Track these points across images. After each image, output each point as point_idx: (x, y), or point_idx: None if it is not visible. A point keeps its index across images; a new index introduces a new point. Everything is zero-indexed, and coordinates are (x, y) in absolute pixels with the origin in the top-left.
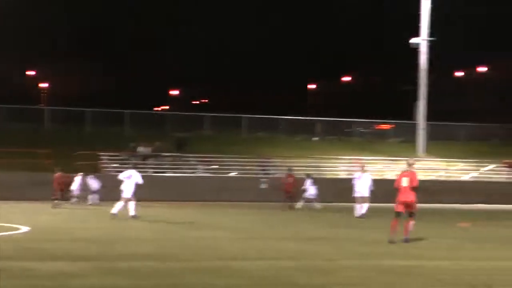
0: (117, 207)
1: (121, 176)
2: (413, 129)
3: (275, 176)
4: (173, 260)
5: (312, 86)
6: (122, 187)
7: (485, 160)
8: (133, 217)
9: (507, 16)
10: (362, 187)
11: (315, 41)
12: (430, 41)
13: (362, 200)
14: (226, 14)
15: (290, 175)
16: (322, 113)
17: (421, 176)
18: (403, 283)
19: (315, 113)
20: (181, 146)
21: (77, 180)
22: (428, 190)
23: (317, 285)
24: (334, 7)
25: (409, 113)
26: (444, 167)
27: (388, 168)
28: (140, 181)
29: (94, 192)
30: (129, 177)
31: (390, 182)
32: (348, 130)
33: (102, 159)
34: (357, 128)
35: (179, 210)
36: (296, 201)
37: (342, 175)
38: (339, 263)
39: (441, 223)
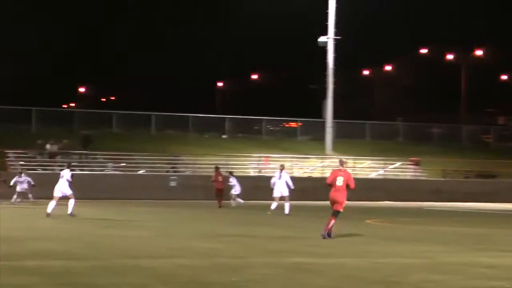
0: (50, 206)
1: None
2: (321, 127)
3: (184, 174)
4: (82, 258)
5: (220, 84)
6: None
7: (392, 158)
8: (70, 215)
9: (411, 15)
10: (281, 186)
11: (223, 39)
12: (336, 40)
13: (283, 199)
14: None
15: (219, 173)
16: (231, 111)
17: (328, 174)
18: (309, 280)
19: (224, 111)
20: (86, 144)
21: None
22: None
23: (223, 283)
24: (246, 6)
25: (317, 111)
26: (351, 164)
27: (297, 165)
28: (69, 179)
29: (21, 190)
30: (62, 176)
31: (299, 180)
32: (257, 128)
33: (8, 157)
34: (267, 126)
35: (88, 208)
36: (223, 199)
37: (252, 173)
38: (247, 260)
39: (349, 220)
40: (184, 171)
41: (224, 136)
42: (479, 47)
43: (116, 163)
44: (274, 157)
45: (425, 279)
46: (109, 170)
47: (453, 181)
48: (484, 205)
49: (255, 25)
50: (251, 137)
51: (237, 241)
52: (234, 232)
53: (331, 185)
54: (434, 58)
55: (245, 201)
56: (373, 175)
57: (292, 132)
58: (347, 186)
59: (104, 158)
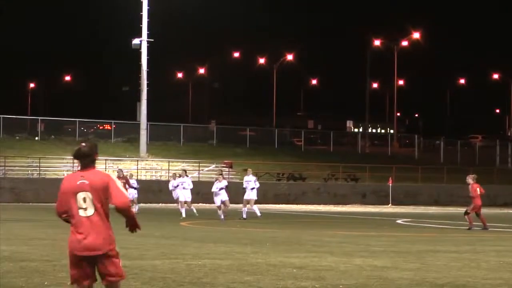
0: None
1: None
2: (135, 129)
3: None
4: None
5: (32, 85)
6: None
7: (205, 161)
8: None
9: (223, 16)
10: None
11: (34, 40)
12: (150, 42)
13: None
14: None
15: (122, 177)
16: (44, 112)
17: (143, 176)
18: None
19: (37, 113)
20: None
21: None
22: (151, 190)
23: (33, 286)
24: (52, 5)
25: (131, 113)
26: (166, 167)
27: (112, 168)
28: None
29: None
30: None
31: None
32: (71, 129)
33: None
34: (81, 128)
35: None
36: None
37: (65, 175)
38: (58, 263)
39: (164, 222)
40: None
41: (37, 138)
42: (289, 51)
43: None
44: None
45: (237, 279)
46: None
47: (265, 183)
48: (293, 207)
49: (66, 25)
50: (65, 139)
51: (47, 243)
52: (43, 235)
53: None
54: (246, 62)
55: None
56: None
57: (106, 134)
58: None
59: None
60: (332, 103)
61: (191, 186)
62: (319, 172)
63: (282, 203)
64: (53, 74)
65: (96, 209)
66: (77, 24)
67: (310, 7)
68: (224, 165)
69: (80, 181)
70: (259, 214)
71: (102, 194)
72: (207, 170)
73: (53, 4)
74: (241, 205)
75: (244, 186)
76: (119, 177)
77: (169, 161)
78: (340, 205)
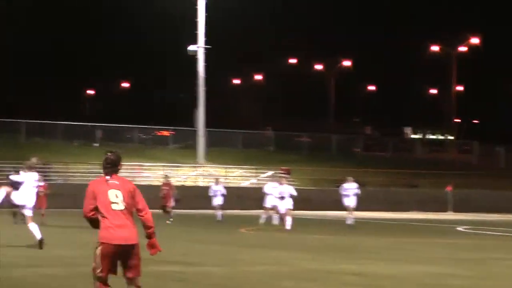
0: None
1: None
2: (192, 135)
3: (57, 182)
4: None
5: (90, 92)
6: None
7: (263, 167)
8: None
9: (278, 23)
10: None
11: (92, 47)
12: (207, 49)
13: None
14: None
15: (167, 183)
16: (102, 118)
17: (200, 182)
18: None
19: (95, 119)
20: None
21: None
22: (209, 196)
23: None
24: (113, 13)
25: (188, 119)
26: (224, 173)
27: (170, 174)
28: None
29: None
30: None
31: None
32: (129, 136)
33: None
34: (138, 134)
35: None
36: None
37: None
38: None
39: (222, 229)
40: (56, 180)
41: (95, 144)
42: (346, 57)
43: None
44: (146, 166)
45: (294, 286)
46: None
47: (323, 190)
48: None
49: (123, 33)
50: (123, 145)
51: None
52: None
53: None
54: (302, 68)
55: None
56: (245, 183)
57: (163, 141)
58: None
59: None
60: (390, 109)
61: (224, 192)
62: (377, 178)
63: (340, 210)
64: (110, 81)
65: (125, 206)
66: (134, 32)
67: (367, 12)
68: (282, 172)
69: (110, 181)
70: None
71: (129, 196)
72: (264, 177)
73: (110, 11)
74: (298, 212)
75: (342, 193)
76: (164, 183)
77: (226, 167)
78: (399, 212)
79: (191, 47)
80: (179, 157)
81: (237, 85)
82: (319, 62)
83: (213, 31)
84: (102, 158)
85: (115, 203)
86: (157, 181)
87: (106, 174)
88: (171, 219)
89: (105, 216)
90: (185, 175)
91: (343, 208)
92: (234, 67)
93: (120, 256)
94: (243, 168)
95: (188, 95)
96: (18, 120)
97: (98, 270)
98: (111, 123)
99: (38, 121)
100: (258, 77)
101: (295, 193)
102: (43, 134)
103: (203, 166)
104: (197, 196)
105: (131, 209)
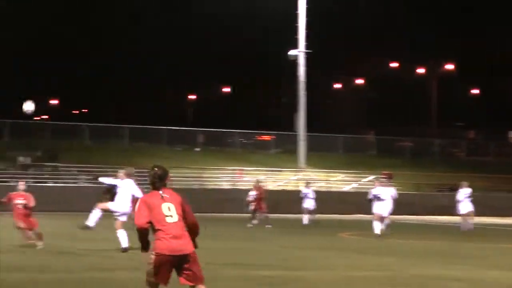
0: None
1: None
2: (293, 140)
3: None
4: (51, 271)
5: (192, 97)
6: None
7: (364, 171)
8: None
9: (380, 27)
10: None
11: (195, 51)
12: (307, 53)
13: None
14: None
15: (258, 187)
16: (203, 123)
17: (302, 187)
18: None
19: (197, 124)
20: (52, 156)
21: None
22: None
23: None
24: (213, 18)
25: (288, 124)
26: (325, 178)
27: (270, 178)
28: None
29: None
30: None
31: (273, 193)
32: (230, 141)
33: None
34: (239, 139)
35: (60, 221)
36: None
37: (225, 185)
38: (216, 272)
39: (321, 233)
40: None
41: (196, 149)
42: (449, 60)
43: (89, 176)
44: (247, 170)
45: None
46: (82, 182)
47: (426, 195)
48: (454, 218)
49: (225, 36)
50: (224, 150)
51: (205, 253)
52: (202, 245)
53: None
54: (404, 71)
55: (219, 214)
56: (346, 188)
57: (264, 145)
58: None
59: (78, 171)
60: (493, 113)
61: (314, 195)
62: (479, 183)
63: (442, 215)
64: (212, 85)
65: (179, 218)
66: (235, 36)
67: (468, 16)
68: (384, 176)
69: (162, 195)
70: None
71: (180, 207)
72: (365, 181)
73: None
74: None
75: (458, 199)
76: (255, 188)
77: (327, 171)
78: (501, 217)
79: (291, 52)
80: (280, 162)
81: (338, 89)
82: (421, 66)
83: (314, 35)
84: (149, 173)
85: (169, 216)
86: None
87: (156, 188)
88: (269, 225)
89: (160, 229)
90: (285, 179)
91: (455, 213)
92: (335, 71)
93: (177, 266)
94: (345, 173)
95: (289, 100)
96: (122, 126)
97: (152, 278)
98: (212, 127)
99: (142, 126)
100: (360, 81)
101: (395, 195)
102: (146, 139)
103: (304, 171)
104: (297, 201)
105: (184, 220)
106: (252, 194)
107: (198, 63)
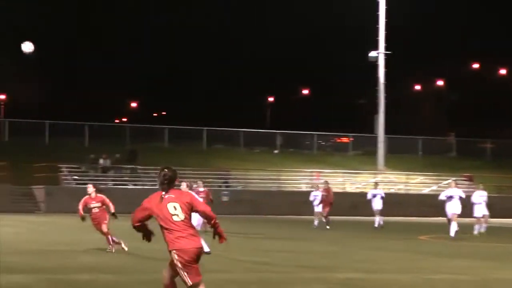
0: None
1: None
2: (371, 142)
3: (236, 189)
4: (135, 272)
5: (271, 99)
6: None
7: (444, 174)
8: None
9: (461, 28)
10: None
11: (273, 54)
12: (387, 55)
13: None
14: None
15: (326, 188)
16: (281, 126)
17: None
18: None
19: (275, 126)
20: (132, 158)
21: None
22: (390, 203)
23: None
24: (291, 21)
25: (367, 126)
26: (404, 180)
27: (349, 181)
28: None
29: None
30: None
31: (351, 195)
32: (308, 143)
33: (62, 171)
34: (318, 141)
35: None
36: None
37: (303, 188)
38: (296, 275)
39: (401, 236)
40: (236, 186)
41: (275, 151)
42: None
43: None
44: (325, 173)
45: None
46: None
47: (507, 197)
48: None
49: (305, 39)
50: (302, 152)
51: (284, 256)
52: (280, 248)
53: None
54: (486, 72)
55: (297, 216)
56: (426, 190)
57: (343, 147)
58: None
59: (156, 173)
60: None
61: (383, 195)
62: None
63: None
64: (290, 88)
65: (185, 216)
66: (313, 38)
67: None
68: (464, 178)
69: (167, 196)
70: None
71: (187, 207)
72: (445, 184)
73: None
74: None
75: (474, 201)
76: (323, 189)
77: (406, 173)
78: None
79: (371, 53)
80: (358, 164)
81: (418, 90)
82: (503, 67)
83: (394, 37)
84: (159, 174)
85: (175, 215)
86: (336, 188)
87: (163, 189)
88: (328, 227)
89: (169, 228)
90: (364, 181)
91: None
92: (415, 73)
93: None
94: (424, 175)
95: (368, 101)
96: (200, 128)
97: (189, 280)
98: (291, 130)
99: (219, 129)
100: (440, 82)
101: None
102: (224, 141)
103: (383, 173)
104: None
105: (191, 219)
106: (316, 194)
107: (277, 65)
